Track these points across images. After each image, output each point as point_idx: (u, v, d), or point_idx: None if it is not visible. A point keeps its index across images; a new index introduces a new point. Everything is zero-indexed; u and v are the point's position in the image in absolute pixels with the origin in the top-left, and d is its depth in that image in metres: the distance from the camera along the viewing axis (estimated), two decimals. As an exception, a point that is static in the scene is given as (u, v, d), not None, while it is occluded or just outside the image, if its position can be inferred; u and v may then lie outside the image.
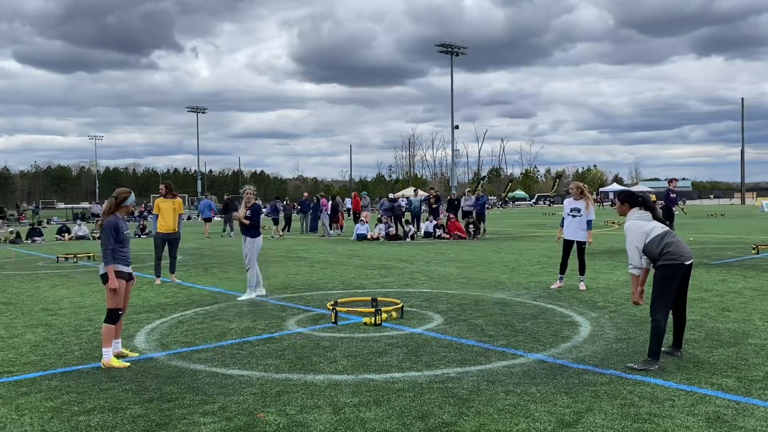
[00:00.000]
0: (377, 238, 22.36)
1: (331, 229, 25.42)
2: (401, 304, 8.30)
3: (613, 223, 29.60)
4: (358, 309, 8.29)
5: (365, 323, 7.58)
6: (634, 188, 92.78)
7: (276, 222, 27.29)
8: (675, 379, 5.31)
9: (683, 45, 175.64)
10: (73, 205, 73.71)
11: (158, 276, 11.97)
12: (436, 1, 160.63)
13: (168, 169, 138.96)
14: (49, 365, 6.14)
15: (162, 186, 12.52)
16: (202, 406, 4.86)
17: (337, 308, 7.90)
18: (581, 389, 5.08)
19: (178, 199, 12.31)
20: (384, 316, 7.71)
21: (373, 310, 7.78)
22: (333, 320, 7.69)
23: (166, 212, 11.93)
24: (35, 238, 25.96)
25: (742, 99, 74.65)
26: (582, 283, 10.17)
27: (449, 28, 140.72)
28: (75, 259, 16.82)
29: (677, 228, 22.74)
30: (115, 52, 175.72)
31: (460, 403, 4.81)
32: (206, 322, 8.08)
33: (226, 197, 29.74)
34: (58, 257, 17.21)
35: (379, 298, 8.86)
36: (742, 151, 74.38)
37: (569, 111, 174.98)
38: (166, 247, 12.03)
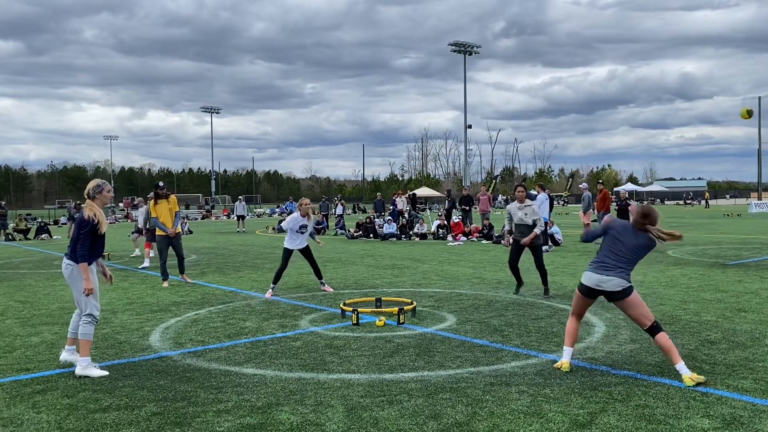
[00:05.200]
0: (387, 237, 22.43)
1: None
2: (414, 304, 8.29)
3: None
4: (379, 309, 8.30)
5: (378, 324, 7.58)
6: (648, 188, 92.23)
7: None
8: (690, 380, 5.26)
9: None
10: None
11: (166, 279, 11.63)
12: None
13: (183, 169, 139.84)
14: (65, 363, 6.20)
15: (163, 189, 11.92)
16: (216, 404, 4.89)
17: (359, 309, 7.86)
18: (595, 390, 5.05)
19: (173, 197, 11.98)
20: (401, 318, 7.70)
21: (396, 310, 7.80)
22: (354, 321, 7.66)
23: (163, 213, 11.63)
24: (42, 236, 26.43)
25: (759, 98, 73.78)
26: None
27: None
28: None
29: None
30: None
31: (473, 403, 4.80)
32: (220, 321, 8.12)
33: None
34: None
35: (384, 298, 8.83)
36: (759, 151, 73.56)
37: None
38: (169, 249, 11.77)
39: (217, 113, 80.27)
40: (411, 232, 22.63)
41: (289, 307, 9.14)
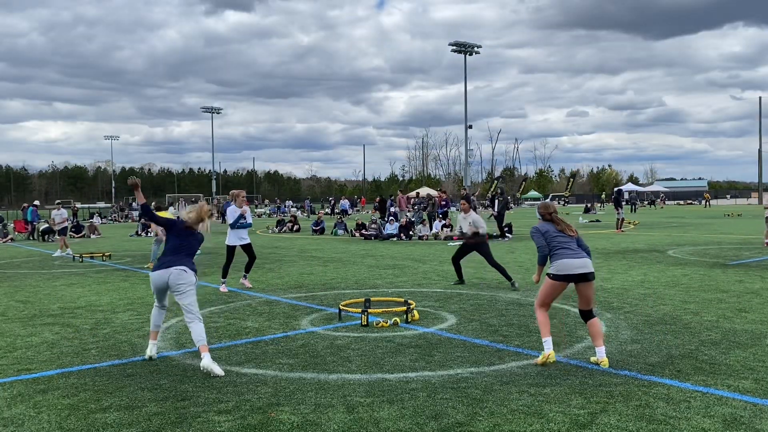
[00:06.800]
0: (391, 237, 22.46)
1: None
2: (412, 305, 8.29)
3: (630, 223, 29.40)
4: (387, 309, 8.29)
5: (381, 325, 7.58)
6: (650, 188, 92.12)
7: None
8: (691, 380, 5.26)
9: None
10: (90, 205, 74.46)
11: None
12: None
13: (183, 169, 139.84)
14: (66, 363, 6.21)
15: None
16: (216, 404, 4.89)
17: (368, 310, 7.82)
18: (595, 390, 5.05)
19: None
20: (408, 317, 7.72)
21: (404, 309, 7.82)
22: (364, 323, 7.63)
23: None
24: (47, 236, 26.45)
25: (760, 98, 73.68)
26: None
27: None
28: (104, 258, 16.97)
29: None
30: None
31: (474, 403, 4.80)
32: (221, 321, 8.13)
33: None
34: (74, 256, 17.38)
35: (373, 299, 8.81)
36: (759, 151, 73.45)
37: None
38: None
39: (217, 113, 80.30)
40: (412, 233, 22.63)
41: (290, 307, 9.15)
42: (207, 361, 5.64)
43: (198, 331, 5.83)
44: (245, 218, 10.77)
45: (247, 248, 10.95)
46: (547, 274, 5.94)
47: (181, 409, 4.79)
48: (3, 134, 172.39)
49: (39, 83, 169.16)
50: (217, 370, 5.66)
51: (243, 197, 10.83)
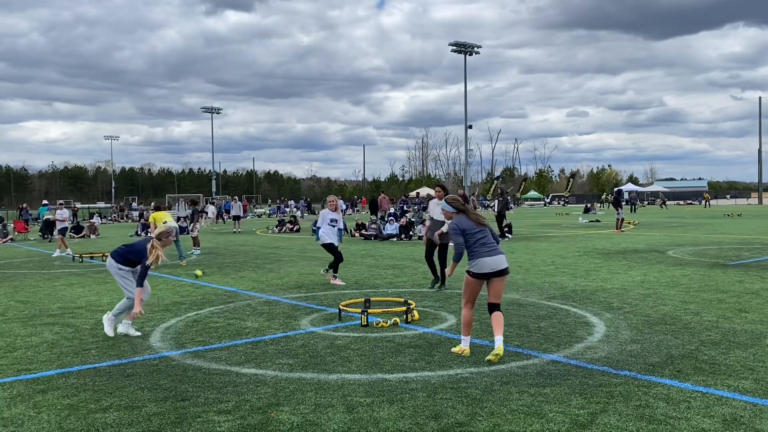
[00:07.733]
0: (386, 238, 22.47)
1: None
2: (412, 305, 8.29)
3: (629, 223, 29.40)
4: (387, 309, 8.30)
5: (381, 325, 7.58)
6: (650, 188, 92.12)
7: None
8: (691, 380, 5.27)
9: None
10: (90, 205, 74.49)
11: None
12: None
13: (183, 169, 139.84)
14: (66, 363, 6.22)
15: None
16: (216, 404, 4.89)
17: (368, 310, 7.82)
18: (595, 390, 5.06)
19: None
20: (408, 317, 7.72)
21: (404, 309, 7.84)
22: (364, 323, 7.64)
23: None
24: (47, 235, 26.48)
25: (759, 98, 73.69)
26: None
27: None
28: (103, 258, 16.97)
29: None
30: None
31: (474, 403, 4.80)
32: (221, 321, 8.13)
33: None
34: (74, 256, 17.38)
35: (373, 299, 8.83)
36: (759, 151, 73.46)
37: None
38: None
39: (217, 113, 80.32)
40: (412, 233, 22.64)
41: (289, 307, 9.15)
42: (123, 327, 7.30)
43: (119, 305, 7.34)
44: (336, 221, 11.54)
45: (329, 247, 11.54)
46: (467, 272, 6.23)
47: (181, 409, 4.79)
48: (3, 134, 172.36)
49: (39, 83, 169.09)
50: (132, 332, 7.21)
51: (332, 201, 11.84)
